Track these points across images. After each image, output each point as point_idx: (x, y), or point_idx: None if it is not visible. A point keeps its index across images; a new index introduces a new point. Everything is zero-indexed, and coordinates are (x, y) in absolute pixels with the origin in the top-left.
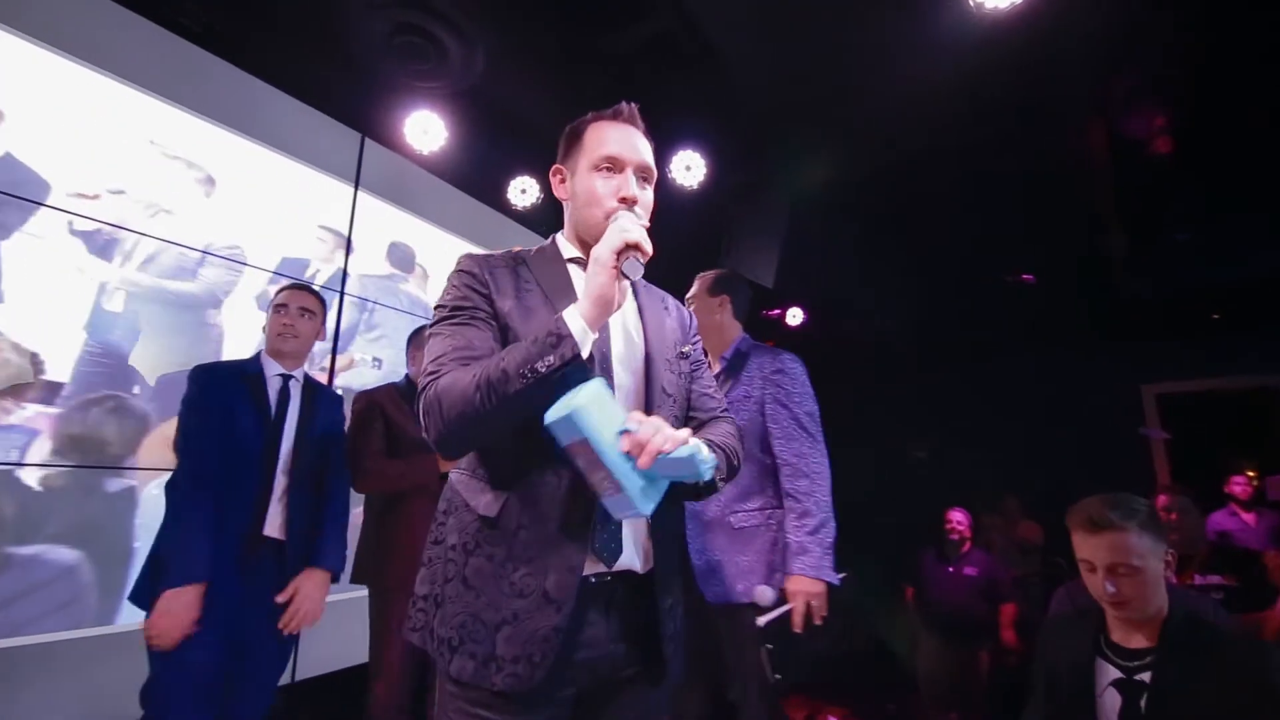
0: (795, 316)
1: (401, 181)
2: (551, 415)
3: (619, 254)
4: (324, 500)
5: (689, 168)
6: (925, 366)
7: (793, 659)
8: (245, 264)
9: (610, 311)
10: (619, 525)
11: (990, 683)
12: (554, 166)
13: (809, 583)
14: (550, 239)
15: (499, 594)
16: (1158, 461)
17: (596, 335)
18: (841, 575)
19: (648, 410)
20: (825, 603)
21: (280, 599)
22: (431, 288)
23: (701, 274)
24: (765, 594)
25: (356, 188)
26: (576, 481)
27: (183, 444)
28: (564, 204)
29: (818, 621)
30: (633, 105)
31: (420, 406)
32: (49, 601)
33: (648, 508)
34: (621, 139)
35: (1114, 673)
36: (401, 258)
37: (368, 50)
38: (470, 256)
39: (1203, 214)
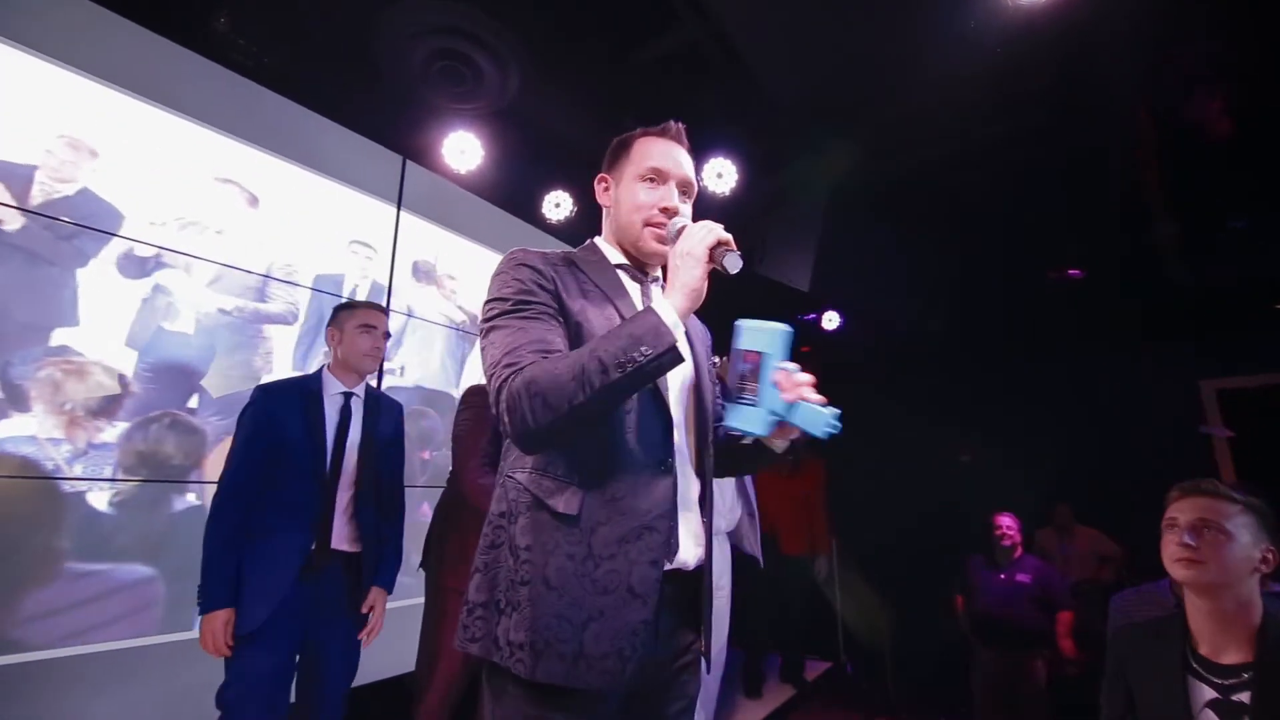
0: (831, 320)
1: (441, 200)
2: (753, 322)
3: (712, 249)
4: (383, 512)
5: (720, 175)
6: (970, 369)
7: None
8: (297, 284)
9: (697, 305)
10: (679, 522)
11: (1050, 693)
12: (599, 174)
13: None
14: (589, 243)
15: (583, 592)
16: (1221, 461)
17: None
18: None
19: (699, 410)
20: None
21: (365, 609)
22: (463, 296)
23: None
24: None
25: (399, 208)
26: (650, 475)
27: (229, 459)
28: (605, 210)
29: None
30: (680, 124)
31: (502, 399)
32: (121, 609)
33: (761, 429)
34: (667, 153)
35: (1208, 693)
36: (425, 271)
37: (407, 77)
38: (528, 252)
39: (1260, 199)
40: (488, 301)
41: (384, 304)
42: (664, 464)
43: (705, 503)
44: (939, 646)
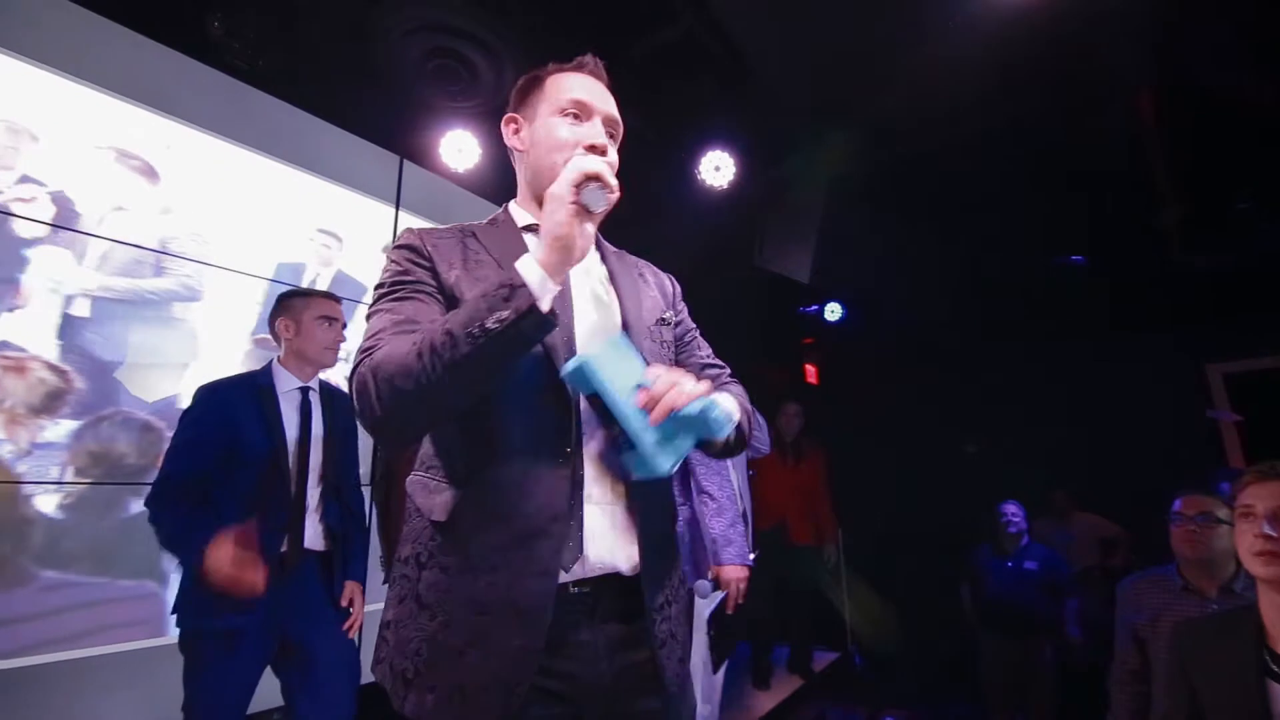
0: (834, 312)
1: (438, 199)
2: (567, 366)
3: (578, 187)
4: (348, 506)
5: (718, 168)
6: (974, 358)
7: (728, 640)
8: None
9: (572, 257)
10: (592, 521)
11: (1058, 680)
12: (506, 115)
13: (737, 570)
14: (502, 208)
15: (459, 611)
16: (1229, 445)
17: (559, 287)
18: (754, 555)
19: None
20: (746, 588)
21: (345, 603)
22: None
23: None
24: (703, 587)
25: (397, 208)
26: (541, 470)
27: (168, 458)
28: (515, 155)
29: (742, 601)
30: (598, 59)
31: (353, 387)
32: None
33: (665, 466)
34: (590, 86)
35: None
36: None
37: (403, 76)
38: (410, 230)
39: (1266, 180)
40: (375, 288)
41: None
42: (559, 454)
43: (640, 488)
44: (947, 635)
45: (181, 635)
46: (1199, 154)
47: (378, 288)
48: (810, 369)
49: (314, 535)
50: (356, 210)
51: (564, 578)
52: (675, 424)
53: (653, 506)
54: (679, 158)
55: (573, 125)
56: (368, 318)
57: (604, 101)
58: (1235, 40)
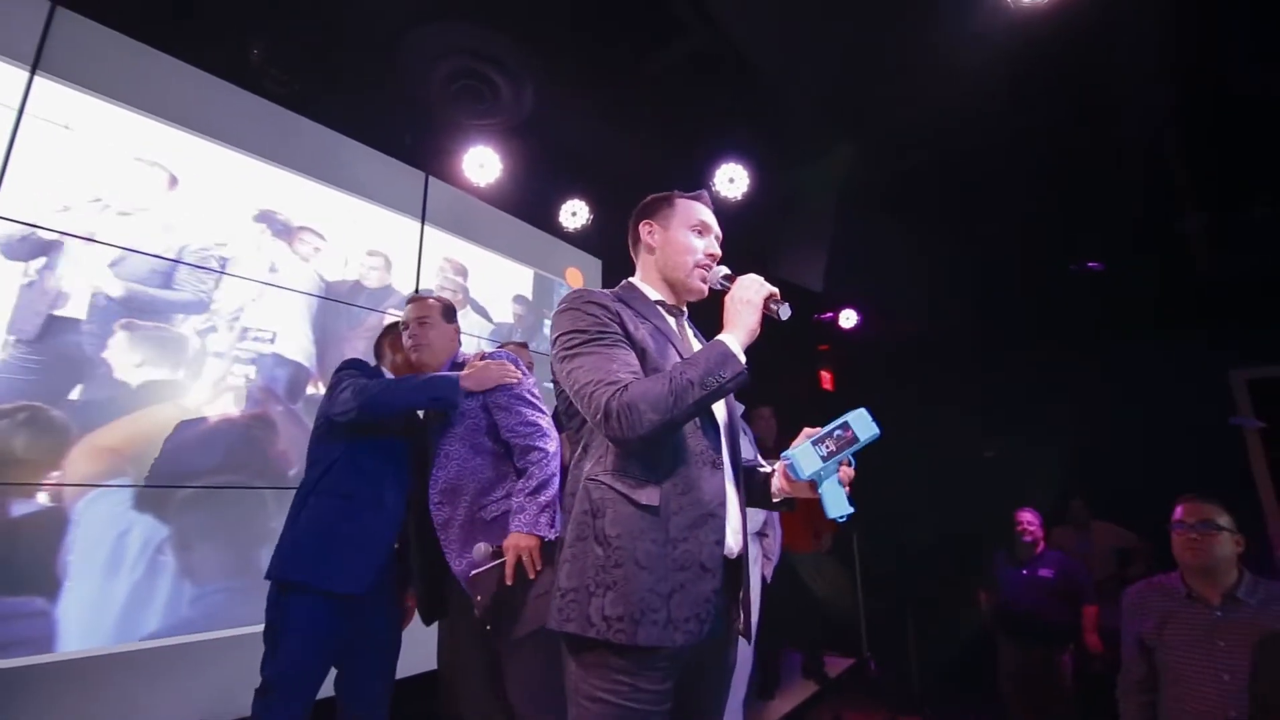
0: (849, 319)
1: (462, 213)
2: (865, 419)
3: (766, 300)
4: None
5: (732, 180)
6: (992, 364)
7: (505, 613)
8: (324, 297)
9: (752, 341)
10: (730, 510)
11: (1075, 688)
12: (643, 221)
13: (522, 537)
14: (627, 283)
15: (666, 570)
16: (1253, 453)
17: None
18: (555, 532)
19: (730, 434)
20: (538, 556)
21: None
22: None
23: (428, 299)
24: (480, 549)
25: (423, 222)
26: (708, 471)
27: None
28: (645, 249)
29: (531, 575)
30: (708, 194)
31: (612, 411)
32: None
33: (847, 509)
34: (708, 214)
35: None
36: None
37: (429, 97)
38: (591, 292)
39: None
40: (565, 333)
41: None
42: (716, 461)
43: (741, 496)
44: (964, 642)
45: (282, 588)
46: (1220, 159)
47: (578, 332)
48: (826, 375)
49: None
50: (384, 225)
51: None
52: (836, 492)
53: (747, 506)
54: (693, 170)
55: (698, 238)
56: (576, 354)
57: (716, 224)
58: (1255, 45)
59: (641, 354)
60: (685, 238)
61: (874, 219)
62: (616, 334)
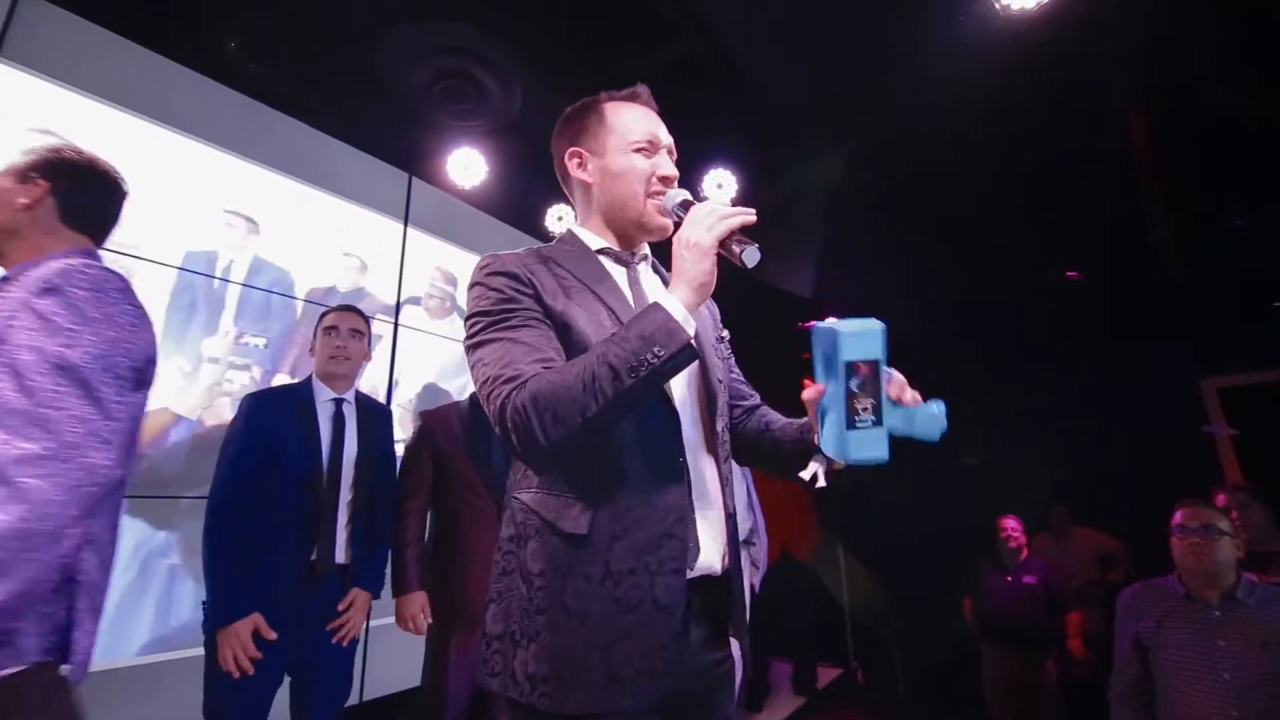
0: None
1: (446, 216)
2: (853, 325)
3: (724, 238)
4: (376, 521)
5: (720, 185)
6: (972, 372)
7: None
8: (294, 297)
9: (707, 297)
10: (701, 525)
11: (1060, 694)
12: (569, 149)
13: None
14: (565, 233)
15: (606, 613)
16: (1225, 460)
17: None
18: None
19: (708, 397)
20: None
21: (341, 606)
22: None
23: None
24: None
25: (406, 224)
26: (662, 480)
27: (220, 470)
28: (581, 187)
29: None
30: (649, 89)
31: (507, 417)
32: None
33: (887, 453)
34: (651, 119)
35: None
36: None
37: (412, 97)
38: (499, 257)
39: (1259, 195)
40: (469, 317)
41: (394, 319)
42: (674, 463)
43: (725, 496)
44: (949, 649)
45: (207, 639)
46: (1192, 170)
47: (482, 314)
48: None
49: (341, 547)
50: (366, 226)
51: (690, 574)
52: (909, 421)
53: (737, 514)
54: (681, 175)
55: (645, 158)
56: (474, 347)
57: (665, 133)
58: (1228, 57)
59: (564, 330)
60: (627, 162)
61: (861, 226)
62: (528, 310)
